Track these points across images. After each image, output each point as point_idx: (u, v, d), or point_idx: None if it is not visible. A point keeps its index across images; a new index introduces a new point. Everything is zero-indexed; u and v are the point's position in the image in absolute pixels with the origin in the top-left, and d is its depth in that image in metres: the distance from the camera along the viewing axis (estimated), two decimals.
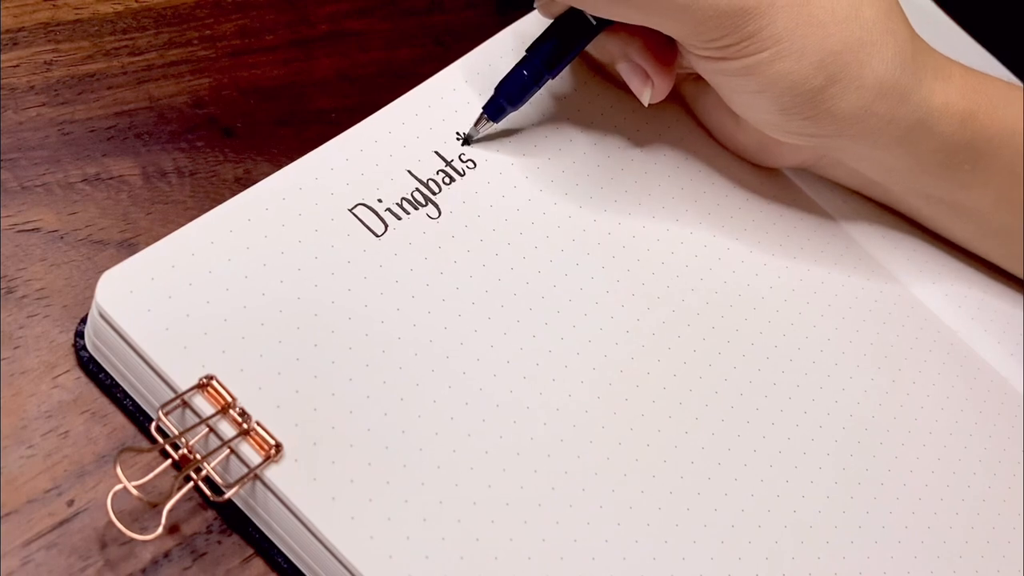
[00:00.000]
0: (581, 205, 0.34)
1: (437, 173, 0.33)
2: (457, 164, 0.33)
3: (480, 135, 0.33)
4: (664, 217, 0.35)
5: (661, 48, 0.34)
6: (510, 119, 0.34)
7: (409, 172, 0.32)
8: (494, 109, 0.33)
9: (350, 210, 0.31)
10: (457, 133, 0.34)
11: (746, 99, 0.34)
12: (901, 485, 0.33)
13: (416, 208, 0.32)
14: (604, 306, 0.32)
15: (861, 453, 0.33)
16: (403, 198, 0.32)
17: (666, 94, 0.34)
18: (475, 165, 0.33)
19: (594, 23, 0.33)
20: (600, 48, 0.35)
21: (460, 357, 0.30)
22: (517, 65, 0.33)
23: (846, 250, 0.38)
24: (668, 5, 0.31)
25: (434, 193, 0.32)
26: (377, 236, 0.31)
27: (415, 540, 0.27)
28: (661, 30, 0.32)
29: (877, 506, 0.32)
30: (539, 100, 0.35)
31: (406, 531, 0.27)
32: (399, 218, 0.31)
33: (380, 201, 0.31)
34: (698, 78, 0.36)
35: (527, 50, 0.33)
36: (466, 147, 0.33)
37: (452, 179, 0.33)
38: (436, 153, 0.33)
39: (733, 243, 0.36)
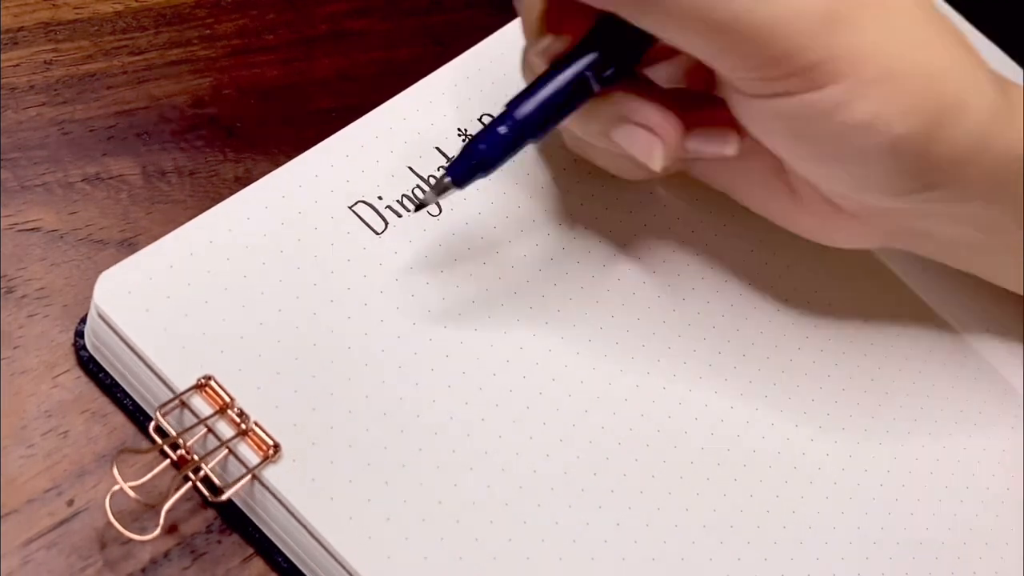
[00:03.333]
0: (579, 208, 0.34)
1: (438, 170, 0.32)
2: None
3: (436, 200, 0.28)
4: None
5: (663, 102, 0.27)
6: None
7: (410, 169, 0.32)
8: (462, 173, 0.27)
9: (350, 207, 0.31)
10: (459, 130, 0.33)
11: (833, 149, 0.26)
12: (900, 486, 0.33)
13: (417, 206, 0.32)
14: (607, 305, 0.32)
15: (860, 454, 0.33)
16: (403, 195, 0.32)
17: (678, 150, 0.27)
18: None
19: (595, 86, 0.27)
20: (591, 114, 0.28)
21: (460, 356, 0.30)
22: (494, 122, 0.27)
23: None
24: (741, 17, 0.23)
25: None
26: (377, 234, 0.31)
27: (414, 540, 0.27)
28: (714, 57, 0.25)
29: (875, 507, 0.32)
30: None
31: (405, 531, 0.27)
32: (399, 215, 0.31)
33: (380, 198, 0.31)
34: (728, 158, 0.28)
35: (507, 104, 0.27)
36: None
37: None
38: (437, 149, 0.33)
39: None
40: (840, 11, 0.24)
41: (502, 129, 0.27)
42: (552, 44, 0.27)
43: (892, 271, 0.37)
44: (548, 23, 0.27)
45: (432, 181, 0.32)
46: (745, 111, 0.27)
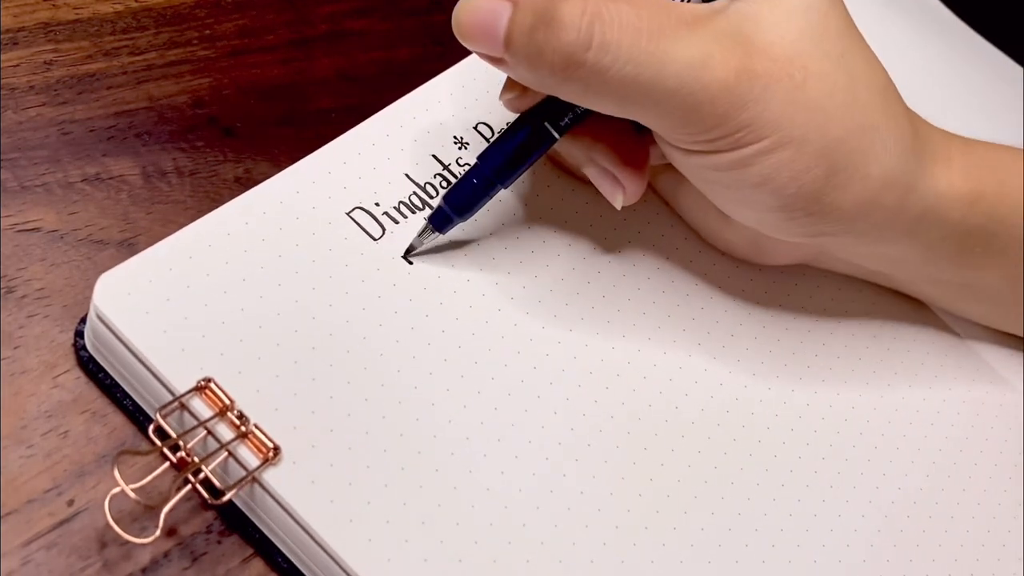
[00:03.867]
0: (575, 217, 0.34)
1: (435, 177, 0.33)
2: (455, 168, 0.33)
3: (424, 247, 0.31)
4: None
5: (631, 149, 0.31)
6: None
7: (407, 176, 0.32)
8: (440, 220, 0.31)
9: (347, 214, 0.31)
10: (455, 137, 0.33)
11: (739, 196, 0.30)
12: (896, 488, 0.33)
13: (413, 212, 0.32)
14: (605, 309, 0.33)
15: (857, 458, 0.33)
16: (400, 202, 0.32)
17: (639, 196, 0.31)
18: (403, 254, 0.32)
19: (555, 134, 0.30)
20: (563, 152, 0.32)
21: (458, 360, 0.30)
22: (467, 174, 0.31)
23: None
24: (654, 93, 0.27)
25: (431, 197, 0.32)
26: (374, 240, 0.31)
27: (413, 542, 0.27)
28: (643, 122, 0.29)
29: (873, 509, 0.33)
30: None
31: (404, 533, 0.27)
32: (396, 222, 0.31)
33: (377, 205, 0.31)
34: (675, 169, 0.32)
35: (478, 157, 0.31)
36: (409, 256, 0.31)
37: (450, 183, 0.33)
38: (434, 157, 0.33)
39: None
40: (752, 91, 0.28)
41: (474, 180, 0.31)
42: (515, 99, 0.31)
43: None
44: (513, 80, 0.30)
45: (425, 185, 0.32)
46: (671, 156, 0.31)
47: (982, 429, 0.36)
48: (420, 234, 0.31)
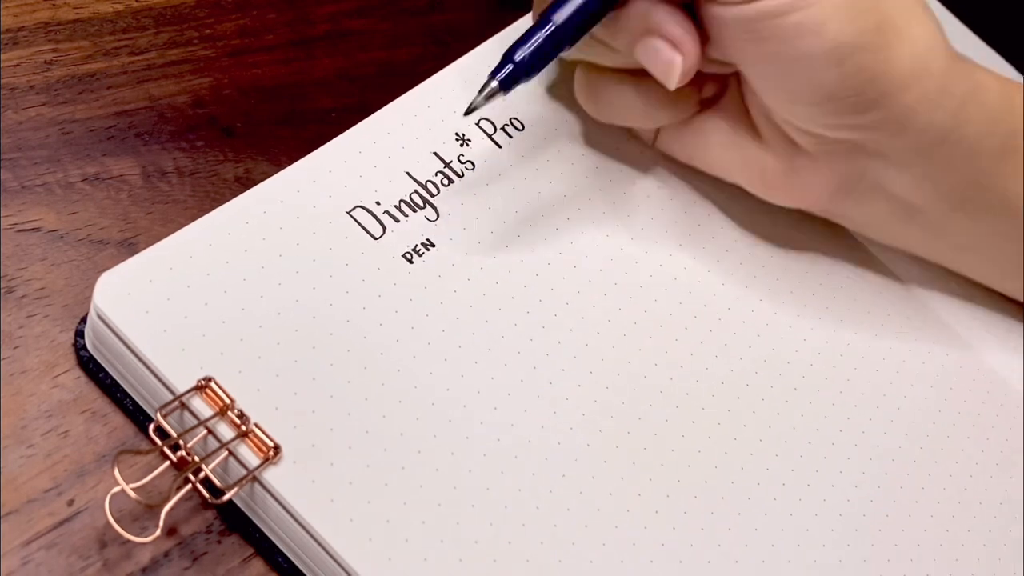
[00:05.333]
0: (582, 208, 0.34)
1: (436, 175, 0.33)
2: (456, 165, 0.33)
3: (485, 105, 0.30)
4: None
5: (686, 20, 0.30)
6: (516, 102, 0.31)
7: (407, 174, 0.32)
8: (508, 78, 0.29)
9: (348, 212, 0.31)
10: (456, 134, 0.34)
11: (789, 54, 0.29)
12: (898, 487, 0.33)
13: (414, 210, 0.32)
14: (604, 310, 0.33)
15: (857, 457, 0.33)
16: (401, 200, 0.32)
17: (694, 70, 0.30)
18: (474, 166, 0.33)
19: None
20: (617, 30, 0.31)
21: (458, 360, 0.30)
22: (532, 28, 0.29)
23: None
24: None
25: (432, 195, 0.32)
26: (375, 239, 0.31)
27: (413, 542, 0.27)
28: None
29: (873, 509, 0.33)
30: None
31: (404, 533, 0.27)
32: (397, 220, 0.31)
33: (378, 203, 0.31)
34: (692, 118, 0.33)
35: (542, 13, 0.30)
36: (466, 134, 0.30)
37: (451, 180, 0.33)
38: (435, 154, 0.33)
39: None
40: None
41: (541, 34, 0.29)
42: None
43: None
44: None
45: (426, 182, 0.32)
46: (716, 21, 0.30)
47: (971, 416, 0.36)
48: (482, 92, 0.29)
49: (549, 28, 0.29)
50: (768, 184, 0.34)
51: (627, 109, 0.33)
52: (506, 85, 0.29)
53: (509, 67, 0.29)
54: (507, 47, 0.30)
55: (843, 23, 0.29)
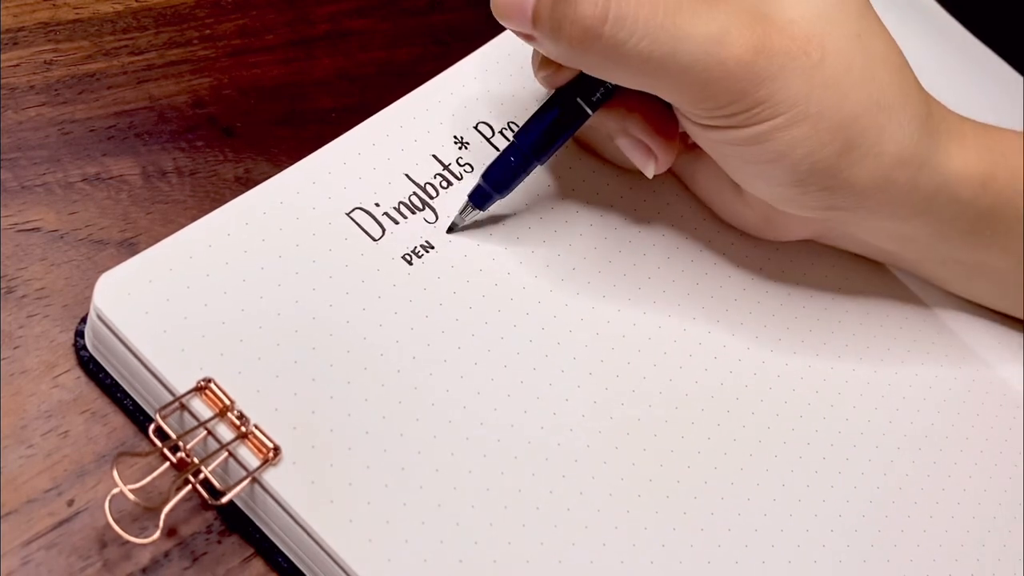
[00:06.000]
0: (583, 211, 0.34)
1: (435, 177, 0.33)
2: (455, 168, 0.33)
3: (466, 223, 0.32)
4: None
5: (661, 120, 0.32)
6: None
7: (407, 176, 0.32)
8: (480, 197, 0.32)
9: (347, 214, 0.31)
10: (455, 137, 0.33)
11: (755, 171, 0.31)
12: (897, 488, 0.33)
13: (413, 212, 0.32)
14: (603, 311, 0.33)
15: (856, 459, 0.33)
16: (400, 202, 0.32)
17: (670, 164, 0.33)
18: (472, 169, 0.33)
19: (588, 110, 0.31)
20: (598, 124, 0.32)
21: (457, 361, 0.30)
22: (504, 151, 0.32)
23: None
24: (670, 67, 0.28)
25: (431, 197, 0.32)
26: (374, 240, 0.31)
27: (413, 543, 0.27)
28: (662, 96, 0.30)
29: (872, 510, 0.33)
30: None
31: (404, 534, 0.27)
32: (396, 222, 0.31)
33: (377, 205, 0.31)
34: (691, 149, 0.34)
35: (515, 136, 0.32)
36: (450, 233, 0.32)
37: (450, 183, 0.33)
38: (434, 157, 0.33)
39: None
40: (769, 69, 0.29)
41: (511, 158, 0.32)
42: (550, 76, 0.32)
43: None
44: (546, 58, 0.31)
45: (425, 185, 0.33)
46: (691, 131, 0.32)
47: (969, 417, 0.36)
48: (461, 212, 0.32)
49: (518, 152, 0.32)
50: (744, 227, 0.35)
51: (616, 155, 0.34)
52: (481, 204, 0.32)
53: (483, 188, 0.32)
54: (481, 172, 0.32)
55: (804, 154, 0.30)
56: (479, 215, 0.32)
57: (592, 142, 0.35)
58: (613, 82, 0.31)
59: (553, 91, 0.32)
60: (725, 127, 0.30)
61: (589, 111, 0.31)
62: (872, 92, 0.30)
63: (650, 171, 0.32)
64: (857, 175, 0.30)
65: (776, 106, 0.29)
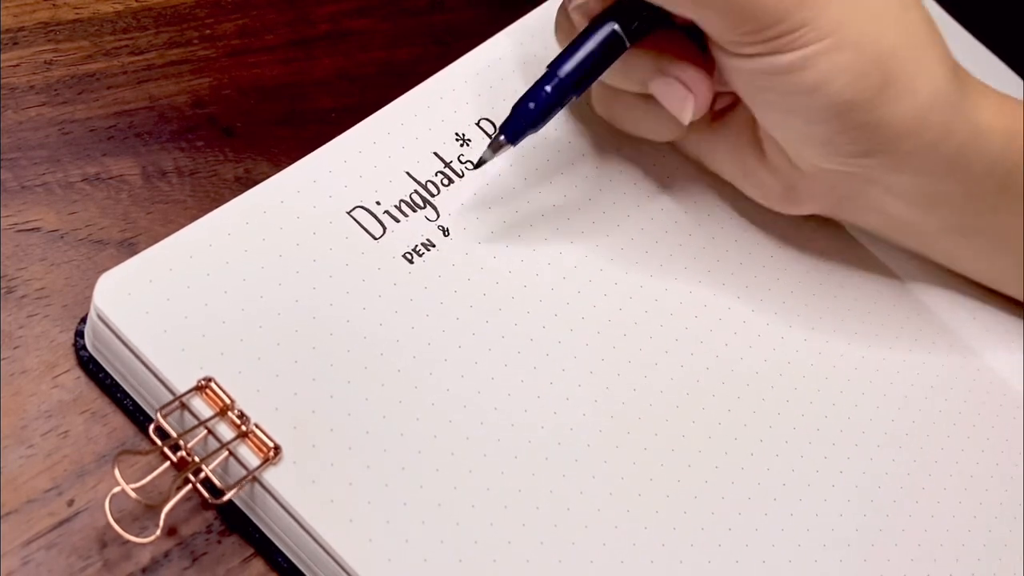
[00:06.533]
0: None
1: (436, 175, 0.33)
2: (456, 165, 0.33)
3: (495, 157, 0.31)
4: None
5: (696, 61, 0.31)
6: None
7: (407, 174, 0.32)
8: (514, 131, 0.30)
9: (348, 213, 0.31)
10: (456, 134, 0.34)
11: (793, 105, 0.30)
12: (898, 487, 0.33)
13: (414, 210, 0.32)
14: (604, 310, 0.33)
15: (857, 458, 0.33)
16: (401, 200, 0.32)
17: (707, 107, 0.32)
18: (474, 166, 0.33)
19: (626, 40, 0.30)
20: (629, 67, 0.32)
21: (458, 361, 0.30)
22: (538, 82, 0.30)
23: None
24: None
25: (432, 195, 0.32)
26: (375, 239, 0.31)
27: (413, 542, 0.27)
28: (704, 21, 0.30)
29: (873, 509, 0.33)
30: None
31: (404, 533, 0.27)
32: (397, 220, 0.31)
33: (378, 203, 0.31)
34: (714, 120, 0.34)
35: (549, 66, 0.31)
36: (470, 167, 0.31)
37: (451, 180, 0.33)
38: (435, 154, 0.33)
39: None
40: None
41: (547, 88, 0.30)
42: (585, 3, 0.31)
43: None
44: None
45: (426, 182, 0.32)
46: (726, 66, 0.31)
47: (972, 417, 0.36)
48: (492, 145, 0.31)
49: (554, 81, 0.30)
50: (766, 197, 0.35)
51: (641, 124, 0.34)
52: (513, 138, 0.31)
53: (517, 119, 0.30)
54: (516, 100, 0.31)
55: (845, 83, 0.29)
56: (510, 149, 0.31)
57: (614, 110, 0.34)
58: (659, 4, 0.30)
59: (587, 21, 0.31)
60: (767, 53, 0.29)
61: (627, 42, 0.30)
62: (910, 29, 0.30)
63: (687, 114, 0.31)
64: (894, 112, 0.30)
65: (819, 29, 0.29)
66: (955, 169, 0.32)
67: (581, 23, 0.31)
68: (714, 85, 0.32)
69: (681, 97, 0.31)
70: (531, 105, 0.30)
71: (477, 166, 0.31)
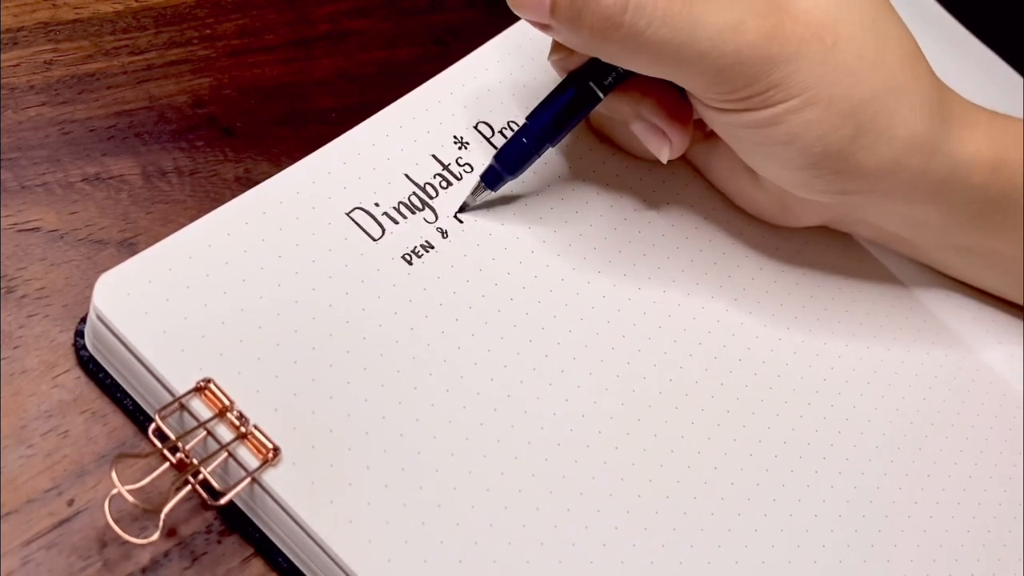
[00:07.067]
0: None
1: (434, 177, 0.33)
2: (454, 168, 0.33)
3: (477, 203, 0.32)
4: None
5: (675, 104, 0.32)
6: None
7: (406, 176, 0.32)
8: (492, 177, 0.32)
9: (347, 214, 0.31)
10: (455, 137, 0.34)
11: (768, 153, 0.32)
12: (897, 488, 0.33)
13: (413, 212, 0.32)
14: (603, 311, 0.33)
15: (856, 458, 0.33)
16: (400, 202, 0.32)
17: (683, 149, 0.33)
18: (472, 169, 0.33)
19: (599, 93, 0.32)
20: (611, 110, 0.33)
21: (457, 361, 0.30)
22: (516, 133, 0.32)
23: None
24: (687, 54, 0.29)
25: (431, 197, 0.32)
26: (374, 240, 0.31)
27: (413, 543, 0.27)
28: (677, 82, 0.31)
29: (872, 510, 0.33)
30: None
31: (404, 534, 0.27)
32: (396, 222, 0.31)
33: (377, 205, 0.31)
34: (708, 138, 0.34)
35: (527, 118, 0.32)
36: (462, 213, 0.32)
37: (449, 183, 0.33)
38: (433, 157, 0.33)
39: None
40: (783, 53, 0.29)
41: (524, 140, 0.32)
42: (562, 59, 0.32)
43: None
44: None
45: (424, 185, 0.33)
46: (706, 116, 0.32)
47: (970, 417, 0.36)
48: (473, 192, 0.32)
49: (531, 134, 0.32)
50: (761, 213, 0.36)
51: (633, 143, 0.35)
52: (492, 184, 0.32)
53: (495, 169, 0.32)
54: (495, 154, 0.32)
55: (816, 136, 0.30)
56: (490, 195, 0.32)
57: (607, 129, 0.35)
58: (629, 68, 0.31)
59: (565, 75, 0.32)
60: (740, 110, 0.30)
61: (601, 95, 0.32)
62: (884, 76, 0.30)
63: (665, 156, 0.32)
64: (868, 159, 0.31)
65: (789, 89, 0.30)
66: (935, 199, 0.33)
67: (560, 74, 0.32)
68: (691, 128, 0.33)
69: (659, 141, 0.32)
70: (508, 156, 0.32)
71: (460, 211, 0.32)
